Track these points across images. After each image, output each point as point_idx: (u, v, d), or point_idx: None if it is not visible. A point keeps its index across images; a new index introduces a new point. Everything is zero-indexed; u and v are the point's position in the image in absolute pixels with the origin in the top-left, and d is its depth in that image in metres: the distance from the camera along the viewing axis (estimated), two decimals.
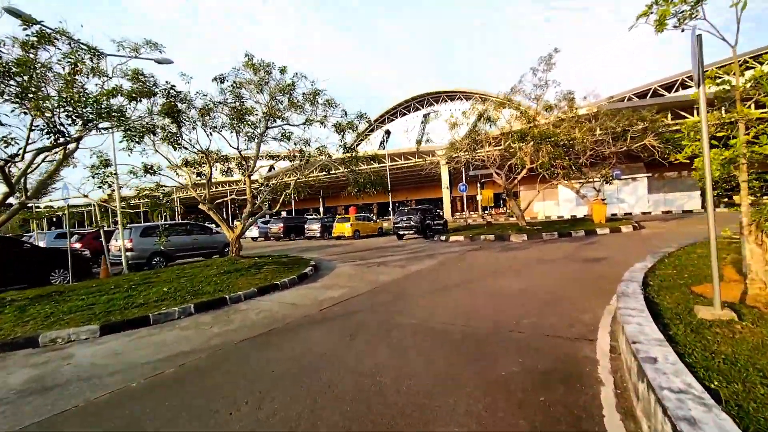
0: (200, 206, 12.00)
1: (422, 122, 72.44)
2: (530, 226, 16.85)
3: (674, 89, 43.88)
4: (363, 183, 11.91)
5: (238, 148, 11.31)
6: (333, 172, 13.48)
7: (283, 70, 11.21)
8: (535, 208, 31.01)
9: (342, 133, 12.18)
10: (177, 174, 12.72)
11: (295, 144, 12.59)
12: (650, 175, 25.56)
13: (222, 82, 10.54)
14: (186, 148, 11.42)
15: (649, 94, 43.04)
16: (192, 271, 9.93)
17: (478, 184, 47.72)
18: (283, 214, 47.55)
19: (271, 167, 13.77)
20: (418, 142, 68.81)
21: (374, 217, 58.83)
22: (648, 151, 16.24)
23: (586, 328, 4.34)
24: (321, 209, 61.39)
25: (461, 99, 64.35)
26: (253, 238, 26.13)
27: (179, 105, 10.27)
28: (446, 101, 68.88)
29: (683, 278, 5.55)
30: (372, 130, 74.79)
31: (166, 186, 12.46)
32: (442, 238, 16.88)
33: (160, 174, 11.53)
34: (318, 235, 22.73)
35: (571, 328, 4.38)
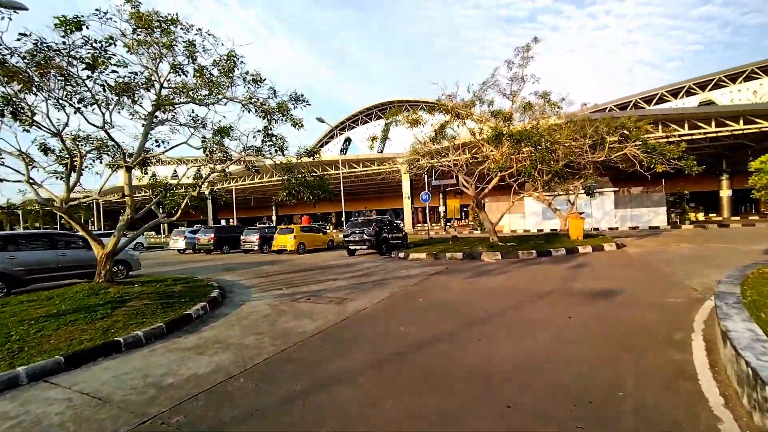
0: (57, 211, 8.34)
1: (384, 131, 70.62)
2: (502, 241, 14.52)
3: (654, 102, 45.00)
4: (295, 186, 8.83)
5: (104, 127, 7.81)
6: (272, 177, 10.33)
7: (173, 21, 7.87)
8: (500, 222, 29.27)
9: (269, 118, 9.11)
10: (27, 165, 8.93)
11: (213, 133, 9.31)
12: (617, 189, 24.62)
13: (78, 29, 6.95)
14: (38, 127, 7.76)
15: (630, 107, 43.70)
16: (7, 310, 6.32)
17: (441, 195, 46.06)
18: (237, 221, 42.88)
19: (175, 171, 10.43)
20: (376, 140, 66.70)
21: (331, 228, 55.49)
22: (628, 161, 14.58)
23: None
24: (274, 217, 56.96)
25: (424, 109, 63.17)
26: (179, 250, 21.94)
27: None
28: (408, 111, 67.44)
29: None
30: (332, 137, 71.81)
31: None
32: (401, 254, 14.09)
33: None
34: (256, 248, 19.16)
35: None
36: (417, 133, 15.91)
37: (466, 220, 56.32)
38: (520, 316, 5.45)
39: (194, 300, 6.98)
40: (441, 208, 45.28)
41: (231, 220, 62.53)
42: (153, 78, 8.29)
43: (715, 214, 32.21)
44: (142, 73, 8.32)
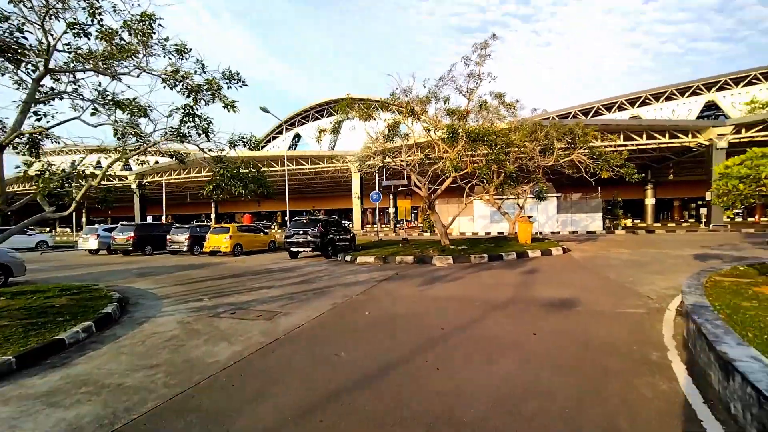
0: None
1: (334, 129, 69.02)
2: (453, 244, 14.09)
3: (591, 114, 48.08)
4: (225, 179, 7.44)
5: None
6: (209, 171, 8.69)
7: None
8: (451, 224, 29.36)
9: (195, 97, 7.66)
10: None
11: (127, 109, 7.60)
12: (560, 195, 25.70)
13: None
14: None
15: (570, 117, 46.18)
16: None
17: (391, 195, 45.72)
18: (171, 219, 38.61)
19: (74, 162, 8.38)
20: (325, 132, 65.13)
21: (275, 227, 52.73)
22: (574, 167, 14.91)
23: None
24: (213, 216, 53.00)
25: (377, 109, 62.68)
26: (90, 251, 18.93)
27: None
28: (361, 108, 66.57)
29: None
30: (280, 132, 68.80)
31: None
32: (348, 258, 13.08)
33: None
34: (185, 249, 17.02)
35: None
36: (369, 129, 15.04)
37: (416, 222, 56.72)
38: (480, 334, 4.72)
39: (77, 318, 5.42)
40: (391, 209, 44.98)
41: (164, 218, 57.21)
42: (42, 39, 6.53)
43: (639, 221, 35.18)
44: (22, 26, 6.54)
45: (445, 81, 12.55)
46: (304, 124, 69.91)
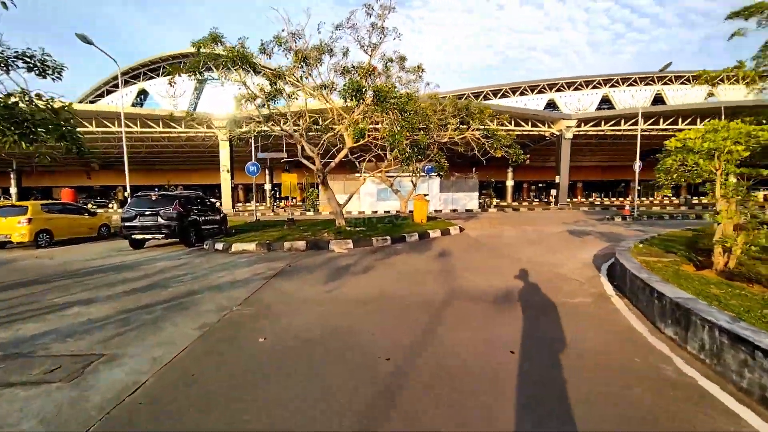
0: None
1: (197, 89, 58.73)
2: (351, 225, 12.49)
3: (480, 97, 51.11)
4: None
5: None
6: None
7: None
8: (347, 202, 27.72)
9: None
10: None
11: None
12: (442, 174, 26.52)
13: None
14: None
15: (463, 97, 48.00)
16: None
17: (267, 170, 41.33)
18: None
19: None
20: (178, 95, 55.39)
21: (115, 206, 42.55)
22: (468, 145, 14.87)
23: None
24: (12, 190, 39.49)
25: (249, 71, 55.60)
26: None
27: None
28: (229, 69, 58.03)
29: None
30: (117, 86, 54.89)
31: None
32: (219, 245, 10.21)
33: None
34: None
35: None
36: (247, 83, 11.97)
37: (294, 201, 53.22)
38: (443, 361, 3.25)
39: None
40: (267, 186, 40.76)
41: None
42: None
43: (500, 200, 39.94)
44: None
45: (344, 29, 10.48)
46: (153, 78, 57.34)
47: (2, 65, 4.95)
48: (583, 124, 29.53)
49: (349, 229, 11.92)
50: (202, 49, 10.66)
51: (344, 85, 9.01)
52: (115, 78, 52.89)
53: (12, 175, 39.26)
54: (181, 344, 3.66)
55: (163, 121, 28.41)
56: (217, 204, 15.46)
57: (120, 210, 36.65)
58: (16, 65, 5.12)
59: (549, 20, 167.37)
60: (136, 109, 31.93)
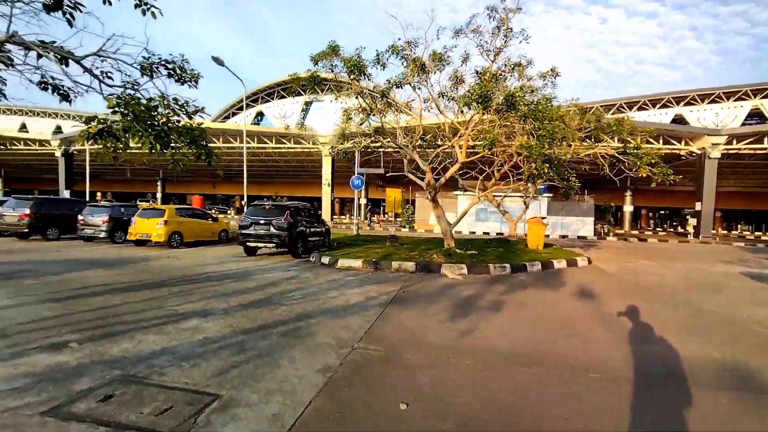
0: None
1: (303, 110, 64.17)
2: (461, 247, 11.25)
3: (612, 111, 46.45)
4: (125, 120, 4.00)
5: None
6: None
7: None
8: (431, 219, 26.76)
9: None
10: None
11: None
12: (551, 195, 23.75)
13: None
14: None
15: (590, 113, 44.34)
16: None
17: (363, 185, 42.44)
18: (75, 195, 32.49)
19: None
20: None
21: (232, 213, 47.76)
22: (594, 164, 12.60)
23: None
24: (159, 195, 47.02)
25: (350, 91, 58.87)
26: None
27: None
28: (333, 91, 62.33)
29: None
30: (241, 108, 62.79)
31: None
32: (325, 259, 9.85)
33: None
34: (103, 234, 12.88)
35: None
36: (350, 109, 11.83)
37: (386, 215, 53.73)
38: None
39: None
40: (362, 200, 41.74)
41: (101, 195, 50.01)
42: None
43: (617, 227, 34.57)
44: None
45: (465, 33, 9.53)
46: (268, 101, 64.49)
47: (147, 71, 5.02)
48: (735, 141, 23.80)
49: (459, 251, 10.69)
50: (319, 64, 10.68)
51: (468, 91, 7.95)
52: (240, 102, 60.57)
53: (158, 183, 46.95)
54: (303, 395, 2.85)
55: (276, 137, 30.95)
56: (320, 216, 15.57)
57: (237, 216, 41.01)
58: (160, 72, 5.18)
59: (663, 31, 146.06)
60: (254, 127, 35.62)
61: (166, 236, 11.98)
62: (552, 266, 10.11)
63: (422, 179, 12.42)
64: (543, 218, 13.40)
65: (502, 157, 12.01)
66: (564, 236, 23.33)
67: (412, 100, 10.70)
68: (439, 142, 13.00)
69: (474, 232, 24.45)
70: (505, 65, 9.49)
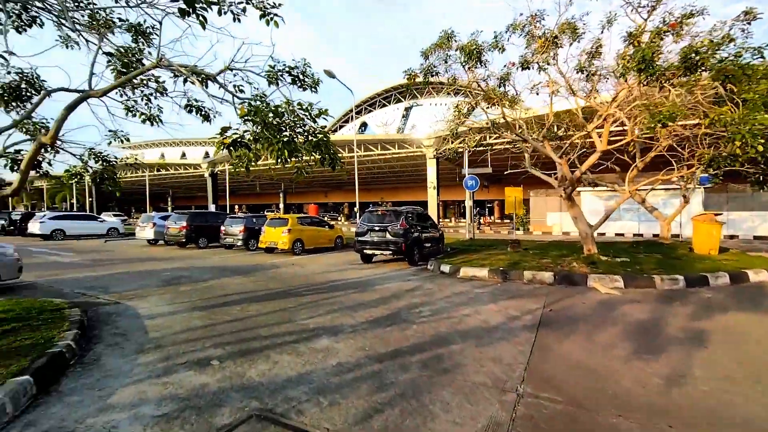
0: None
1: (404, 115, 65.13)
2: (604, 253, 9.30)
3: None
4: (259, 126, 3.90)
5: None
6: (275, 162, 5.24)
7: None
8: (549, 220, 23.96)
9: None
10: None
11: None
12: (710, 186, 18.84)
13: None
14: None
15: None
16: None
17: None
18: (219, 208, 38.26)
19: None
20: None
21: (342, 219, 50.67)
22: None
23: None
24: (281, 205, 52.61)
25: (450, 94, 57.75)
26: (148, 241, 17.34)
27: None
28: (432, 95, 61.97)
29: None
30: (347, 121, 66.84)
31: None
32: (444, 267, 9.07)
33: None
34: (240, 243, 14.40)
35: None
36: (462, 103, 10.83)
37: (491, 218, 50.66)
38: None
39: None
40: (468, 202, 39.98)
41: (238, 208, 58.43)
42: None
43: None
44: None
45: None
46: (370, 111, 67.21)
47: (274, 79, 4.93)
48: None
49: (604, 258, 8.78)
50: (430, 57, 9.97)
51: (633, 54, 6.20)
52: (346, 114, 64.52)
53: (280, 195, 52.64)
54: None
55: (381, 144, 31.59)
56: (433, 220, 14.83)
57: (345, 223, 43.33)
58: (284, 79, 5.06)
59: None
60: (362, 136, 37.05)
61: (290, 244, 12.72)
62: (746, 278, 7.53)
63: (550, 175, 10.77)
64: (717, 214, 10.28)
65: (665, 140, 9.60)
66: (733, 236, 18.18)
67: (538, 83, 9.21)
68: (565, 133, 11.15)
69: (604, 234, 20.91)
70: (664, 21, 7.37)
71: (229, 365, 3.52)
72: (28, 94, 5.81)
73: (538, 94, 9.10)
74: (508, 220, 48.61)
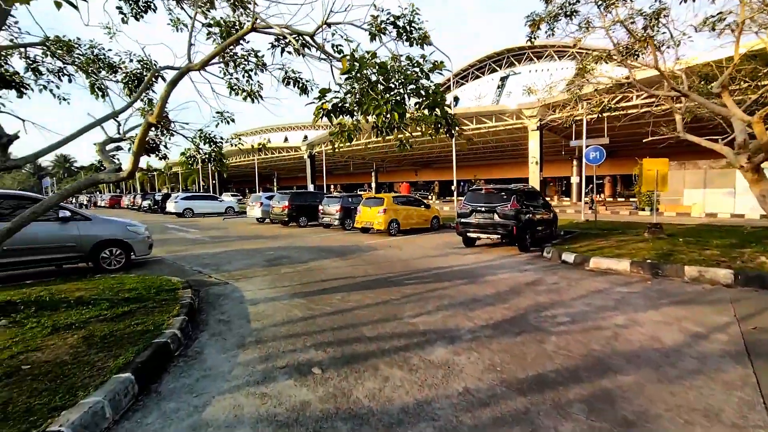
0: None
1: (499, 86, 60.05)
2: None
3: None
4: (360, 89, 3.20)
5: None
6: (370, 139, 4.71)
7: None
8: (686, 198, 19.63)
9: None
10: None
11: None
12: None
13: None
14: None
15: None
16: None
17: (574, 160, 36.09)
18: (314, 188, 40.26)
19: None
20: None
21: (433, 198, 49.53)
22: None
23: None
24: (373, 184, 53.58)
25: (551, 57, 51.15)
26: (257, 219, 18.78)
27: None
28: (532, 60, 55.68)
29: None
30: (448, 89, 64.13)
31: None
32: (565, 257, 7.58)
33: None
34: (336, 222, 14.51)
35: None
36: (591, 57, 8.75)
37: (601, 195, 44.27)
38: None
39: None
40: (574, 179, 35.43)
41: (334, 188, 61.48)
42: None
43: None
44: None
45: None
46: (462, 84, 63.34)
47: (377, 31, 4.14)
48: None
49: None
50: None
51: None
52: (445, 83, 61.88)
53: (372, 174, 53.56)
54: None
55: (477, 117, 29.33)
56: (546, 200, 12.85)
57: (436, 202, 42.20)
58: (388, 32, 4.24)
59: None
60: (455, 109, 34.97)
61: (385, 224, 12.27)
62: None
63: (715, 141, 8.20)
64: None
65: None
66: None
67: (712, 17, 6.76)
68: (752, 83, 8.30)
69: (743, 215, 16.32)
70: None
71: (332, 375, 2.97)
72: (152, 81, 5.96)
73: (713, 29, 6.67)
74: (622, 199, 41.99)
